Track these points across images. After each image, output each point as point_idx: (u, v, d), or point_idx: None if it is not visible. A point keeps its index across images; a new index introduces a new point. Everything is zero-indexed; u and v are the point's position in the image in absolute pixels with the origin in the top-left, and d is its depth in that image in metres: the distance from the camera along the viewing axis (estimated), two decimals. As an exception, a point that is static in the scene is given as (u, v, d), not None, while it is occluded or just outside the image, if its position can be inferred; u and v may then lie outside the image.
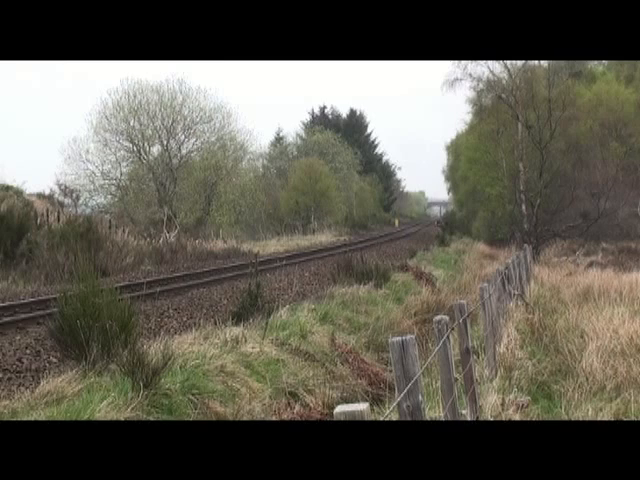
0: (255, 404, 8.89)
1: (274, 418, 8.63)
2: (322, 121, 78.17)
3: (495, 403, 7.91)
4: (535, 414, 7.99)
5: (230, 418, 8.20)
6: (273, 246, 36.74)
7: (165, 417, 7.64)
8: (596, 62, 51.86)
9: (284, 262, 22.85)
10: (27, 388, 8.23)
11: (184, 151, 46.19)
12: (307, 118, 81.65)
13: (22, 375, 9.01)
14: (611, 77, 49.70)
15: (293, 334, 11.92)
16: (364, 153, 78.38)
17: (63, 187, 43.55)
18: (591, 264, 29.48)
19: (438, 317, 5.89)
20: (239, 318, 12.54)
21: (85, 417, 6.93)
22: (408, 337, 4.18)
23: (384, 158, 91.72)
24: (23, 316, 12.65)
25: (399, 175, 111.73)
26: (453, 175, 71.34)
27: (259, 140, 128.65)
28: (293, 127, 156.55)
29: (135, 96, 44.13)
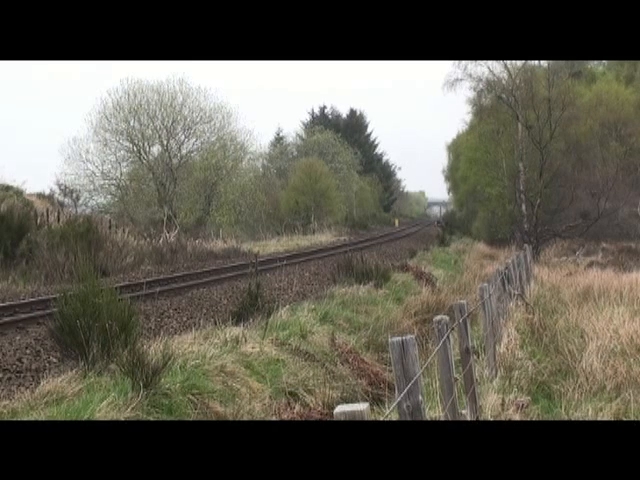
0: (255, 404, 8.89)
1: (274, 418, 8.63)
2: (322, 121, 78.17)
3: (495, 403, 7.91)
4: (535, 414, 7.99)
5: (230, 418, 8.20)
6: (273, 246, 36.72)
7: (165, 417, 7.64)
8: (596, 62, 51.94)
9: (284, 262, 22.84)
10: (27, 388, 8.23)
11: (184, 151, 46.27)
12: (307, 118, 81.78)
13: (22, 375, 9.01)
14: (611, 77, 49.70)
15: (293, 334, 11.92)
16: (364, 153, 78.38)
17: (63, 187, 43.60)
18: (591, 264, 29.48)
19: (438, 317, 5.89)
20: (239, 318, 12.54)
21: (85, 417, 6.93)
22: (408, 337, 4.19)
23: (384, 158, 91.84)
24: (23, 316, 12.64)
25: (399, 175, 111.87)
26: (453, 175, 71.34)
27: (259, 140, 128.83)
28: (293, 127, 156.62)
29: (135, 96, 44.19)
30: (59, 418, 6.87)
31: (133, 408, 7.38)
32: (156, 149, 45.79)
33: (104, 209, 44.42)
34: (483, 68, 39.53)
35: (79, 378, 8.23)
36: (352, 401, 8.84)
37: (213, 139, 47.06)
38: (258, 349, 10.59)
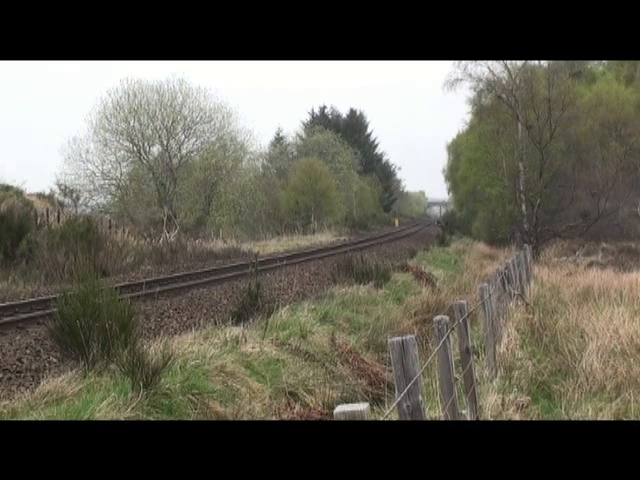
0: (255, 404, 8.89)
1: (274, 418, 8.63)
2: (322, 121, 78.18)
3: (495, 403, 7.91)
4: (535, 414, 7.99)
5: (230, 418, 8.20)
6: (273, 246, 36.72)
7: (165, 417, 7.64)
8: (596, 62, 51.93)
9: (284, 262, 22.85)
10: (27, 388, 8.22)
11: (184, 151, 46.29)
12: (307, 118, 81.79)
13: (22, 375, 9.01)
14: (611, 77, 49.69)
15: (293, 334, 11.92)
16: (364, 153, 78.40)
17: (63, 187, 43.65)
18: (591, 264, 29.47)
19: (438, 317, 5.89)
20: (239, 318, 12.54)
21: (85, 417, 6.93)
22: (408, 337, 4.18)
23: (384, 158, 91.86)
24: (23, 316, 12.64)
25: (399, 175, 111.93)
26: (453, 175, 71.35)
27: (259, 140, 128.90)
28: (293, 127, 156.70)
29: (135, 96, 44.23)
30: (59, 418, 6.87)
31: (133, 408, 7.38)
32: (156, 149, 45.86)
33: (104, 209, 44.45)
34: (483, 68, 39.58)
35: (79, 378, 8.23)
36: (352, 401, 8.84)
37: (213, 139, 47.11)
38: (258, 349, 10.59)
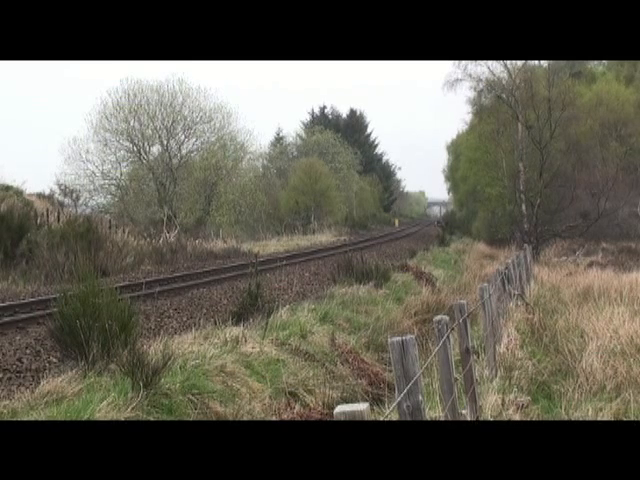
0: (255, 404, 8.89)
1: (274, 418, 8.63)
2: (322, 121, 78.18)
3: (495, 403, 7.91)
4: (535, 414, 7.99)
5: (230, 418, 8.20)
6: (273, 246, 36.72)
7: (165, 417, 7.64)
8: (596, 62, 51.93)
9: (284, 262, 22.85)
10: (27, 388, 8.22)
11: (184, 151, 46.36)
12: (307, 118, 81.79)
13: (22, 375, 9.01)
14: (611, 77, 49.69)
15: (293, 334, 11.92)
16: (364, 153, 78.38)
17: (63, 187, 43.72)
18: (591, 264, 29.46)
19: (438, 317, 5.89)
20: (239, 318, 12.54)
21: (85, 417, 6.93)
22: (408, 337, 4.18)
23: (384, 158, 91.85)
24: (23, 316, 12.64)
25: (399, 175, 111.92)
26: (453, 175, 71.38)
27: (259, 140, 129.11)
28: (293, 127, 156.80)
29: (135, 96, 44.30)
30: (59, 418, 6.87)
31: (133, 408, 7.38)
32: (156, 149, 45.93)
33: (104, 209, 44.51)
34: (483, 68, 39.60)
35: (79, 378, 8.23)
36: (352, 401, 8.84)
37: (213, 139, 47.17)
38: (258, 349, 10.59)
